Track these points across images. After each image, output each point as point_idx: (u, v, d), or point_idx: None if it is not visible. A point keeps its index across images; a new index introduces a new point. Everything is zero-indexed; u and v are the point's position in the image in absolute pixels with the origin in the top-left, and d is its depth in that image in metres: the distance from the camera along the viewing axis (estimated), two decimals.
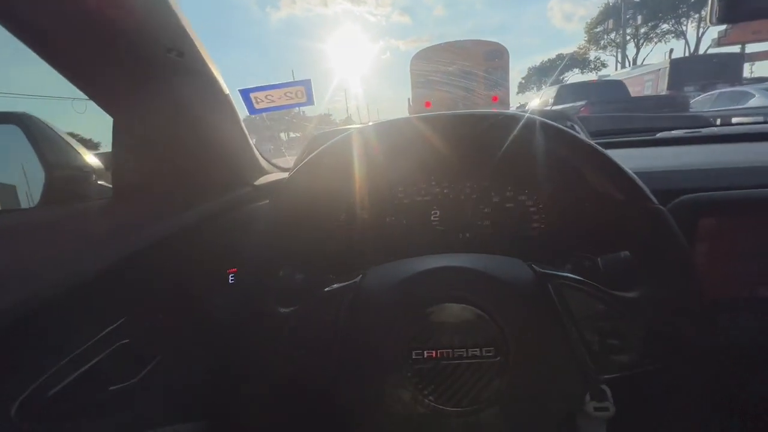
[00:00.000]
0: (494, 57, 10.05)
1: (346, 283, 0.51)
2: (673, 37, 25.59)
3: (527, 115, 0.52)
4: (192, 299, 0.69)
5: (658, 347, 0.45)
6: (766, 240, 0.61)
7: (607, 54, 31.58)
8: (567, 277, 0.46)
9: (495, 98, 9.71)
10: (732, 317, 0.64)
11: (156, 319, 0.65)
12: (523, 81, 41.32)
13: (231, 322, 0.57)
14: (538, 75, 38.90)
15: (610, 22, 27.20)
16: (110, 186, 0.79)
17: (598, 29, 30.83)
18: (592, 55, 33.32)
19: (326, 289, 0.52)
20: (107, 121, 0.62)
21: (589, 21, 31.56)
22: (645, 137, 1.02)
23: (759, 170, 0.67)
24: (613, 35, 29.41)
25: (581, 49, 33.35)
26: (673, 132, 1.02)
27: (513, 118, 0.52)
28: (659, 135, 1.02)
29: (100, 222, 0.65)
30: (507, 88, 10.27)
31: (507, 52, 10.20)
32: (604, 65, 33.74)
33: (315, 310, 0.50)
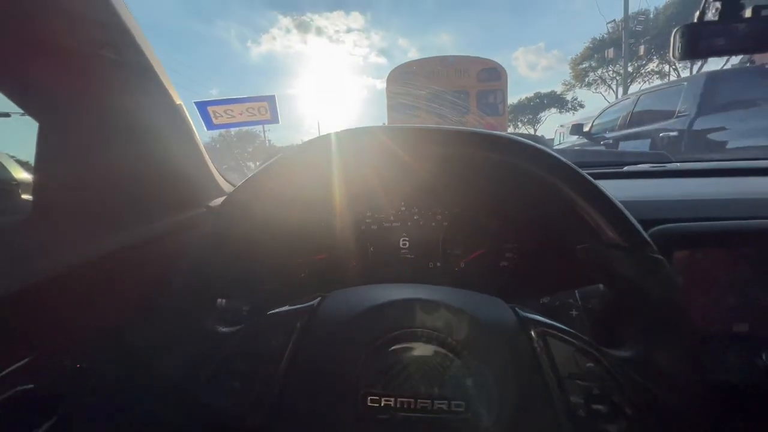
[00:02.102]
0: (490, 78, 8.27)
1: (302, 305, 0.44)
2: (657, 78, 24.49)
3: (513, 136, 0.48)
4: (119, 337, 0.59)
5: (652, 418, 0.39)
6: (742, 273, 0.59)
7: (593, 91, 29.55)
8: (554, 326, 0.41)
9: (489, 128, 8.24)
10: (711, 355, 0.61)
11: (70, 360, 0.55)
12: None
13: (157, 340, 0.48)
14: (515, 113, 37.54)
15: (610, 51, 24.19)
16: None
17: (584, 65, 28.67)
18: (577, 93, 32.09)
19: (278, 310, 0.44)
20: None
21: (574, 56, 29.65)
22: (612, 170, 1.03)
23: (731, 203, 0.67)
24: (600, 71, 27.84)
25: (566, 85, 31.83)
26: (639, 165, 1.04)
27: (496, 137, 0.47)
28: (626, 168, 1.04)
29: (9, 240, 0.55)
30: (504, 116, 8.52)
31: (505, 72, 8.38)
32: (581, 105, 32.97)
33: (261, 332, 0.43)
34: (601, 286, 0.48)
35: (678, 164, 1.05)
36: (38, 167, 0.56)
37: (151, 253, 0.63)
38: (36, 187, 0.57)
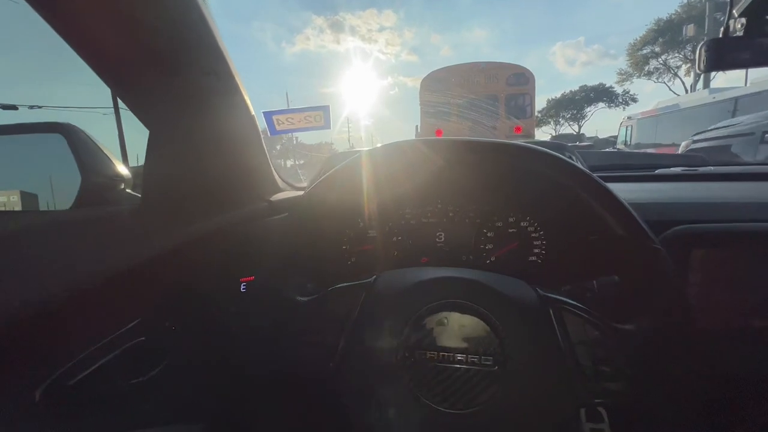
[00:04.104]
0: (518, 82, 8.77)
1: (361, 281, 0.55)
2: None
3: (531, 146, 0.57)
4: (205, 304, 0.73)
5: (649, 379, 0.47)
6: (757, 272, 0.63)
7: (655, 81, 25.83)
8: (568, 302, 0.49)
9: (518, 129, 8.44)
10: (727, 347, 0.65)
11: (168, 322, 0.68)
12: (539, 115, 36.35)
13: (250, 308, 0.61)
14: (557, 108, 35.08)
15: (690, 27, 19.75)
16: (137, 195, 0.84)
17: (645, 50, 25.20)
18: (632, 85, 28.49)
19: (341, 285, 0.55)
20: (142, 137, 0.69)
21: (633, 41, 25.96)
22: (643, 173, 1.06)
23: (753, 206, 0.70)
24: (664, 57, 24.07)
25: (621, 75, 28.06)
26: (671, 169, 1.06)
27: (518, 148, 0.56)
28: (658, 171, 1.06)
29: (126, 226, 0.69)
30: (532, 118, 8.96)
31: (533, 77, 8.83)
32: (633, 99, 29.53)
33: (330, 301, 0.54)
34: (616, 277, 0.55)
35: (711, 168, 1.07)
36: (147, 168, 0.70)
37: (228, 237, 0.76)
38: (145, 184, 0.71)
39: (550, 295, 0.49)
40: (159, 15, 0.53)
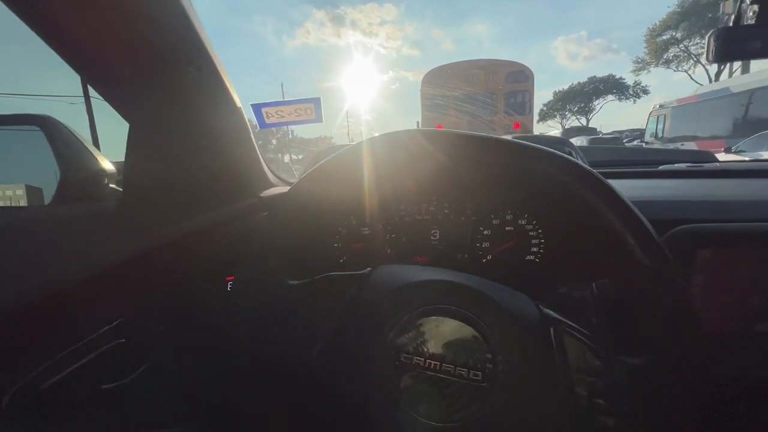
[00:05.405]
0: (517, 79, 9.00)
1: (356, 272, 0.53)
2: None
3: (527, 143, 0.53)
4: (190, 304, 0.70)
5: (648, 418, 0.44)
6: (764, 274, 0.61)
7: (674, 69, 24.20)
8: (572, 326, 0.45)
9: (517, 125, 8.66)
10: (731, 351, 0.62)
11: (152, 322, 0.66)
12: (545, 108, 35.82)
13: (238, 293, 0.58)
14: (564, 101, 33.77)
15: (728, 3, 14.48)
16: (121, 190, 0.81)
17: (665, 36, 23.31)
18: (645, 76, 27.53)
19: (334, 273, 0.53)
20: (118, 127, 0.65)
21: (652, 26, 24.16)
22: (647, 169, 1.03)
23: (761, 204, 0.67)
24: (686, 43, 22.27)
25: (637, 64, 26.59)
26: (675, 165, 1.03)
27: (515, 144, 0.53)
28: (662, 167, 1.03)
29: (107, 223, 0.67)
30: (531, 115, 9.15)
31: (532, 74, 9.02)
32: (645, 92, 28.68)
33: (322, 288, 0.52)
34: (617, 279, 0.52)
35: (717, 164, 1.04)
36: (128, 163, 0.67)
37: (215, 235, 0.74)
38: (126, 180, 0.68)
39: (553, 314, 0.46)
40: (136, 3, 0.50)
